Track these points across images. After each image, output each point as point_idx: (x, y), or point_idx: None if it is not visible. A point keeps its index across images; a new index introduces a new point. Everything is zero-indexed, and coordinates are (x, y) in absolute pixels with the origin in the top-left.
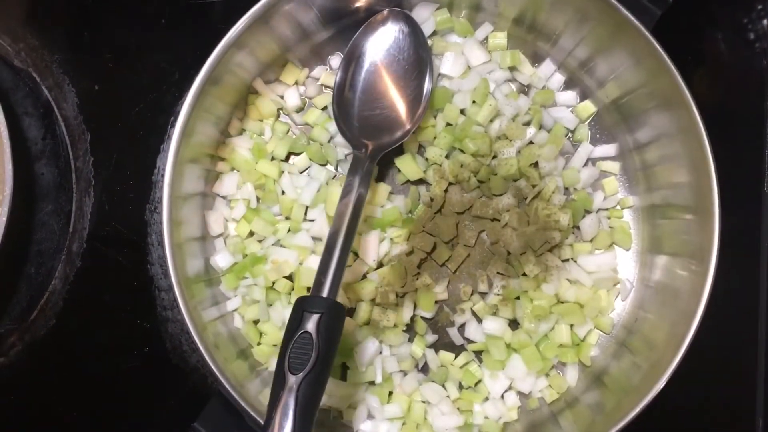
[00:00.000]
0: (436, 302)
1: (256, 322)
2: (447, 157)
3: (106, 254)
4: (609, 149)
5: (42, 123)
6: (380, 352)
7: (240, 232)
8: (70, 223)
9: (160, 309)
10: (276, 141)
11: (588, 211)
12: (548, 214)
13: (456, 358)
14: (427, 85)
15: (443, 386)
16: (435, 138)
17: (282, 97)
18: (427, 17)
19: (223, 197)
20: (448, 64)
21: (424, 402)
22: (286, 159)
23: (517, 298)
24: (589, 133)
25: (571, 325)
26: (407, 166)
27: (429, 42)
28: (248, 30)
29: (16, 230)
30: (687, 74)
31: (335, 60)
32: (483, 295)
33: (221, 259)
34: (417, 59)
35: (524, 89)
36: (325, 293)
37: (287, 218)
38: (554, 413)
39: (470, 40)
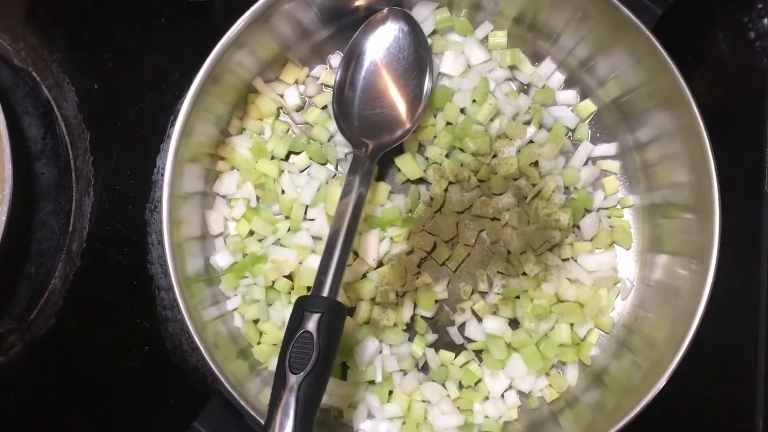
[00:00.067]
0: (436, 301)
1: (256, 321)
2: (447, 156)
3: (106, 254)
4: (609, 148)
5: (42, 122)
6: (380, 352)
7: (240, 231)
8: (69, 223)
9: (160, 308)
10: (276, 140)
11: (588, 211)
12: (548, 214)
13: (456, 357)
14: (427, 84)
15: (443, 385)
16: (435, 137)
17: (282, 96)
18: (427, 16)
19: (223, 196)
20: (448, 63)
21: (424, 401)
22: (286, 158)
23: (518, 297)
24: (590, 132)
25: (572, 325)
26: (407, 165)
27: (429, 41)
28: (248, 29)
29: (16, 230)
30: (687, 73)
31: (335, 59)
32: (483, 294)
33: (221, 259)
34: (417, 58)
35: (524, 88)
36: (325, 293)
37: (287, 217)
38: (554, 412)
39: (470, 39)
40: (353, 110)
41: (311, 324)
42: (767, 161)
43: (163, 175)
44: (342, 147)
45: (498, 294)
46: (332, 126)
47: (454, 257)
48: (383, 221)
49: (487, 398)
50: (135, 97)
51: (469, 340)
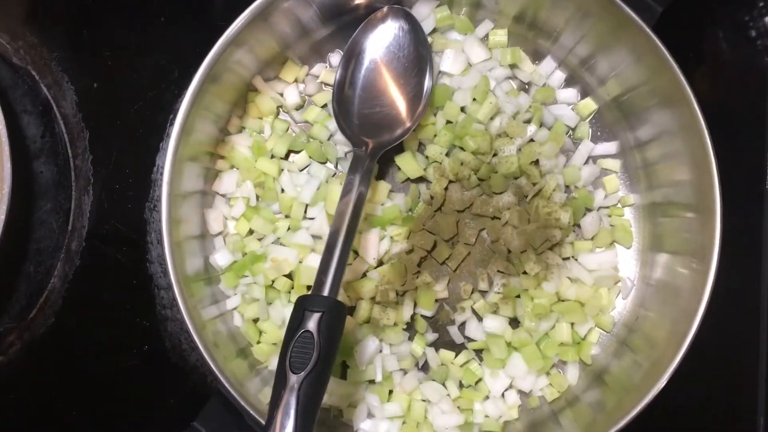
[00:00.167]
0: (437, 301)
1: (255, 320)
2: (447, 155)
3: (105, 253)
4: (610, 147)
5: (41, 121)
6: (380, 351)
7: (239, 230)
8: (69, 222)
9: (159, 307)
10: (275, 139)
11: (589, 209)
12: (549, 212)
13: (456, 356)
14: (427, 83)
15: (443, 385)
16: (435, 136)
17: (281, 94)
18: (427, 14)
19: (223, 195)
20: (448, 61)
21: (424, 401)
22: (286, 157)
23: (518, 296)
24: (590, 130)
25: (572, 324)
26: (407, 164)
27: (429, 39)
28: (247, 27)
29: (15, 228)
30: (688, 72)
31: (335, 57)
32: (483, 293)
33: (221, 258)
34: (417, 57)
35: (525, 87)
36: (326, 292)
37: (287, 216)
38: (555, 412)
39: (470, 37)
40: (353, 109)
41: (312, 323)
42: None
43: (162, 173)
44: (342, 146)
45: (498, 293)
46: (332, 125)
47: (455, 256)
48: (383, 220)
49: (487, 397)
50: (134, 96)
51: (470, 340)
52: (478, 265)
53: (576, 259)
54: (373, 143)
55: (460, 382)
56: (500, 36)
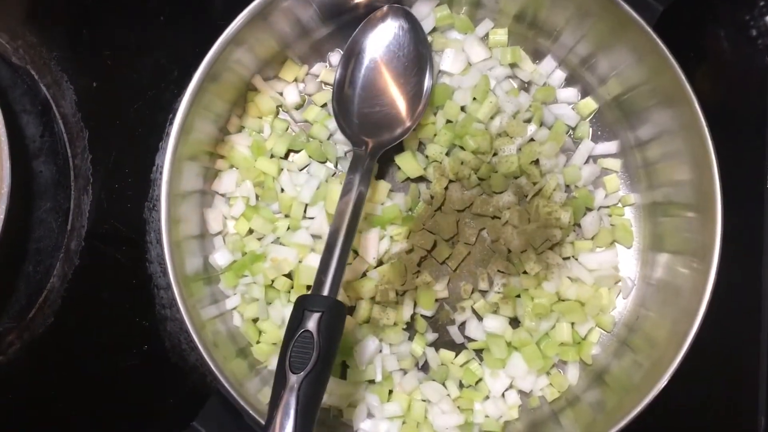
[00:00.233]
0: (437, 300)
1: (255, 320)
2: (447, 154)
3: (104, 252)
4: (610, 146)
5: (40, 120)
6: (380, 351)
7: (239, 229)
8: (68, 221)
9: (158, 307)
10: (275, 138)
11: (589, 209)
12: (549, 212)
13: (456, 356)
14: (427, 82)
15: (443, 385)
16: (435, 135)
17: (281, 94)
18: (427, 14)
19: (222, 195)
20: (448, 60)
21: (424, 401)
22: (286, 156)
23: (518, 296)
24: (591, 130)
25: (572, 324)
26: (407, 163)
27: (429, 38)
28: (247, 26)
29: (14, 228)
30: (689, 71)
31: (335, 57)
32: (483, 293)
33: (220, 257)
34: (417, 56)
35: (525, 86)
36: (325, 292)
37: (287, 216)
38: (555, 412)
39: (471, 36)
40: (353, 108)
41: (311, 323)
42: None
43: (161, 173)
44: (342, 145)
45: (498, 293)
46: (332, 124)
47: (455, 256)
48: (383, 220)
49: (487, 397)
50: (134, 96)
51: (470, 339)
52: (479, 264)
53: (576, 259)
54: (373, 143)
55: (460, 382)
56: (500, 35)
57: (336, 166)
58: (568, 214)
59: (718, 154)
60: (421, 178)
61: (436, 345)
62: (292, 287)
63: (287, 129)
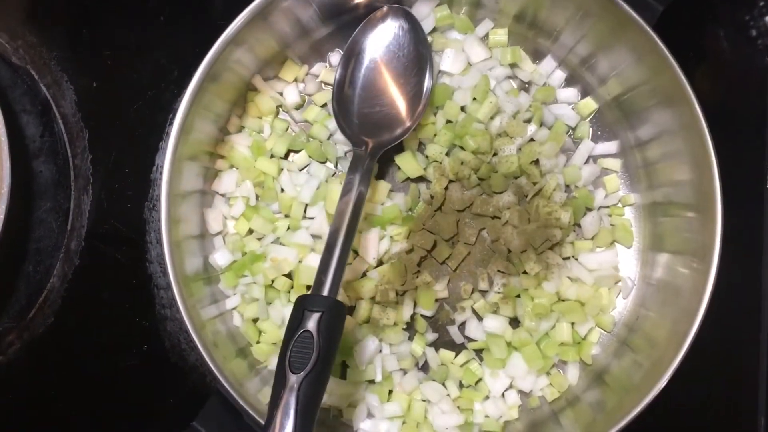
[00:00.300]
0: (437, 300)
1: (255, 320)
2: (447, 154)
3: (104, 252)
4: (610, 146)
5: (40, 120)
6: (380, 351)
7: (239, 229)
8: (68, 221)
9: (158, 307)
10: (275, 138)
11: (589, 209)
12: (549, 212)
13: (456, 356)
14: (427, 82)
15: (443, 385)
16: (435, 135)
17: (281, 94)
18: (427, 14)
19: (222, 195)
20: (448, 60)
21: (424, 401)
22: (286, 156)
23: (518, 296)
24: (591, 130)
25: (572, 324)
26: (407, 163)
27: (429, 39)
28: (247, 27)
29: (14, 228)
30: (689, 71)
31: (335, 57)
32: (483, 293)
33: (220, 257)
34: (417, 56)
35: (525, 86)
36: (325, 292)
37: (286, 216)
38: (555, 412)
39: (470, 36)
40: (353, 108)
41: (311, 323)
42: None
43: (161, 173)
44: (342, 145)
45: (498, 293)
46: (332, 124)
47: (455, 256)
48: (383, 220)
49: (487, 397)
50: (134, 96)
51: (470, 339)
52: (478, 264)
53: (576, 259)
54: (373, 143)
55: (460, 382)
56: (500, 35)
57: (336, 166)
58: (568, 214)
59: (718, 154)
60: (421, 178)
61: (436, 345)
62: (292, 287)
63: (287, 129)
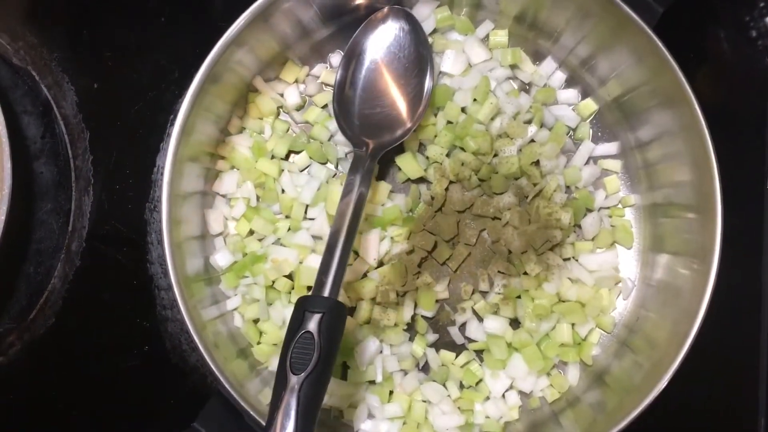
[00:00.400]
0: (437, 301)
1: (256, 321)
2: (448, 155)
3: (105, 253)
4: (610, 147)
5: (41, 121)
6: (381, 352)
7: (240, 230)
8: (69, 222)
9: (159, 308)
10: (276, 139)
11: (589, 210)
12: (549, 213)
13: (457, 357)
14: (427, 83)
15: (444, 385)
16: (436, 136)
17: (282, 95)
18: (427, 15)
19: (223, 196)
20: (448, 62)
21: (424, 401)
22: (286, 157)
23: (518, 297)
24: (591, 131)
25: (573, 324)
26: (408, 164)
27: (429, 40)
28: (248, 28)
29: (15, 229)
30: (689, 72)
31: (335, 58)
32: (484, 294)
33: (221, 258)
34: (417, 57)
35: (525, 87)
36: (326, 293)
37: (287, 217)
38: (555, 413)
39: (471, 37)
40: (354, 109)
41: (312, 324)
42: None
43: (162, 174)
44: (342, 146)
45: (499, 294)
46: (332, 125)
47: (455, 257)
48: (384, 220)
49: (488, 398)
50: (135, 96)
51: (470, 340)
52: (479, 265)
53: (577, 260)
54: (374, 144)
55: (461, 382)
56: (501, 36)
57: (337, 167)
58: (569, 215)
59: (718, 155)
60: (421, 179)
61: (436, 346)
62: (293, 288)
63: (288, 130)
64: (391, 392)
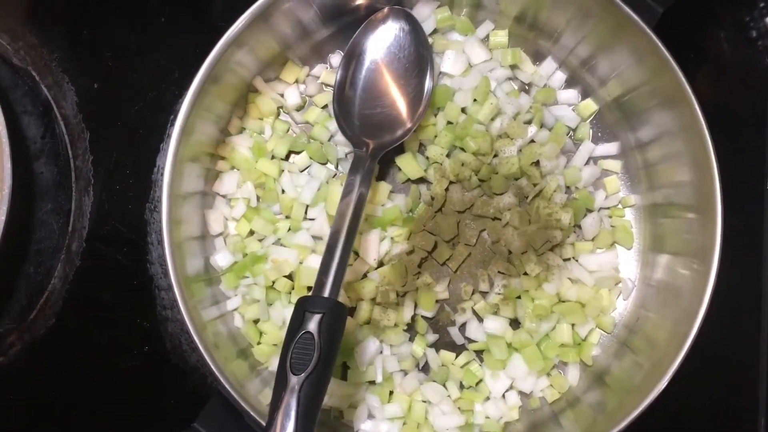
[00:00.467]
0: (437, 301)
1: (256, 321)
2: (448, 155)
3: (105, 253)
4: (610, 148)
5: (41, 121)
6: (381, 352)
7: (240, 231)
8: (69, 222)
9: (159, 308)
10: (276, 139)
11: (589, 210)
12: (549, 213)
13: (457, 357)
14: (427, 84)
15: (444, 386)
16: (436, 136)
17: (282, 95)
18: (427, 15)
19: (223, 196)
20: (449, 62)
21: (424, 402)
22: (287, 158)
23: (518, 297)
24: (591, 131)
25: (573, 325)
26: (408, 164)
27: (430, 40)
28: (248, 28)
29: (15, 229)
30: (689, 72)
31: (336, 58)
32: (484, 294)
33: (221, 258)
34: (418, 57)
35: (525, 87)
36: (326, 293)
37: (287, 217)
38: (555, 413)
39: (471, 38)
40: (354, 109)
41: (312, 325)
42: None
43: (162, 174)
44: (342, 146)
45: (499, 294)
46: (333, 125)
47: (455, 257)
48: (384, 221)
49: (488, 398)
50: (135, 97)
51: (470, 340)
52: (479, 266)
53: (577, 260)
54: (374, 144)
55: (461, 383)
56: (501, 37)
57: (337, 168)
58: (569, 216)
59: (718, 155)
60: (421, 180)
61: (436, 346)
62: (293, 288)
63: (288, 130)
64: (391, 392)
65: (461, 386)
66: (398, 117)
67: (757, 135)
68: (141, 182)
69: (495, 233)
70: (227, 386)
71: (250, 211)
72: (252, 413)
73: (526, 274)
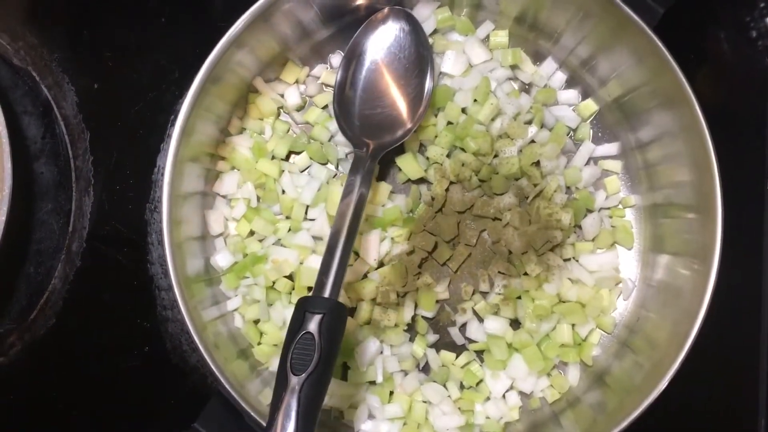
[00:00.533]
0: (437, 302)
1: (256, 321)
2: (448, 156)
3: (105, 254)
4: (611, 148)
5: (41, 122)
6: (381, 352)
7: (240, 231)
8: (69, 223)
9: (160, 308)
10: (276, 140)
11: (590, 210)
12: (550, 213)
13: (457, 357)
14: (428, 84)
15: (444, 386)
16: (436, 137)
17: (282, 95)
18: (428, 15)
19: (224, 196)
20: (449, 62)
21: (425, 402)
22: (287, 158)
23: (519, 297)
24: (591, 131)
25: (573, 325)
26: (408, 165)
27: (430, 40)
28: (248, 28)
29: (16, 229)
30: (689, 73)
31: (336, 58)
32: (484, 294)
33: (221, 259)
34: (418, 58)
35: (526, 88)
36: (327, 293)
37: (288, 217)
38: (556, 413)
39: (471, 38)
40: (354, 110)
41: (313, 325)
42: None
43: (163, 174)
44: (343, 147)
45: (499, 294)
46: (333, 126)
47: (455, 257)
48: (384, 221)
49: (488, 399)
50: (135, 97)
51: (471, 341)
52: (479, 266)
53: (577, 260)
54: (374, 144)
55: (461, 383)
56: (501, 37)
57: (337, 168)
58: (569, 216)
59: (719, 156)
60: (422, 180)
61: (437, 346)
62: (293, 289)
63: (288, 131)
64: (391, 393)
65: (461, 386)
66: (398, 117)
67: (757, 135)
68: (141, 182)
69: (495, 233)
70: (227, 386)
71: (250, 211)
72: (252, 413)
73: (526, 274)
